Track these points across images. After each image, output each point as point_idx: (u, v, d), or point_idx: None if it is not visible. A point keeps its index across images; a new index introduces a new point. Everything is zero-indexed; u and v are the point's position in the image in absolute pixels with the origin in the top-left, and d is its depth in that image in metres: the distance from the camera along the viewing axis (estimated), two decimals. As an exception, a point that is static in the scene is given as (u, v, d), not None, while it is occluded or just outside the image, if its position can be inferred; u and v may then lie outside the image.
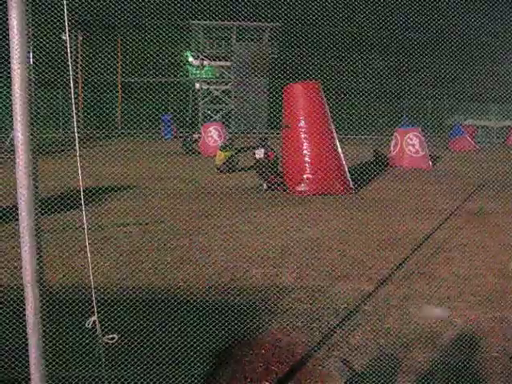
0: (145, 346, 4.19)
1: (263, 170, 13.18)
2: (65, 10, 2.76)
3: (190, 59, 49.45)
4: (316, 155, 12.33)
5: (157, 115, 37.52)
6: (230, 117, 49.19)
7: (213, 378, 3.79)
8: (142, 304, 5.13)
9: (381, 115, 43.87)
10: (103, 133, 35.45)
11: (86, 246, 3.02)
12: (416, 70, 44.29)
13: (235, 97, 49.25)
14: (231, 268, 6.44)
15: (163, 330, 4.53)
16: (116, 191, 12.29)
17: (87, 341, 4.15)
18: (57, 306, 4.64)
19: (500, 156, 24.46)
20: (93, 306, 3.02)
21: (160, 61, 41.04)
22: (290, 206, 10.93)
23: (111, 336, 2.93)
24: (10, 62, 2.44)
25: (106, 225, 8.73)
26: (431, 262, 6.87)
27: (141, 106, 39.34)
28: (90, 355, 3.96)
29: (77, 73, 40.38)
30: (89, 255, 3.09)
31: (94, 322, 2.91)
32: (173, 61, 45.57)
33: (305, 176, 12.37)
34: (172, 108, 42.95)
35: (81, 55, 41.35)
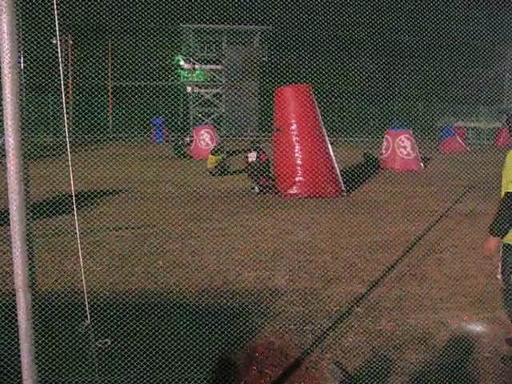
0: (138, 350, 4.17)
1: (255, 173, 13.19)
2: (55, 14, 2.76)
3: (182, 63, 49.43)
4: (307, 158, 12.35)
5: (148, 119, 37.45)
6: (221, 120, 49.19)
7: (208, 382, 3.78)
8: (134, 308, 5.12)
9: (371, 117, 44.02)
10: (94, 137, 35.34)
11: (78, 251, 3.01)
12: (406, 72, 44.50)
13: (226, 100, 49.27)
14: (223, 271, 6.44)
15: (156, 334, 4.51)
16: (108, 195, 12.25)
17: (80, 345, 4.13)
18: (49, 311, 4.61)
19: (490, 157, 24.60)
20: (85, 311, 3.01)
21: (151, 64, 41.01)
22: (282, 208, 10.94)
23: (104, 340, 2.93)
24: (0, 67, 2.44)
25: (98, 229, 8.71)
26: (423, 263, 6.90)
27: (132, 109, 39.26)
28: (83, 360, 3.94)
29: (67, 77, 40.25)
30: (81, 259, 3.08)
31: (87, 326, 2.90)
32: (163, 64, 45.53)
33: (296, 179, 12.38)
34: (163, 112, 42.88)
35: (71, 59, 41.22)
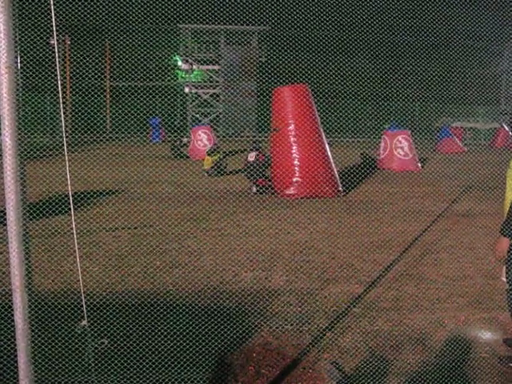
0: (134, 350, 4.17)
1: (253, 172, 13.18)
2: (52, 14, 2.76)
3: (179, 63, 49.44)
4: (305, 158, 12.36)
5: (145, 119, 37.45)
6: (218, 120, 49.22)
7: (205, 382, 3.78)
8: (131, 308, 5.11)
9: (369, 118, 44.09)
10: (91, 137, 35.32)
11: (75, 251, 3.01)
12: (404, 72, 44.55)
13: (224, 100, 49.29)
14: (220, 271, 6.43)
15: (153, 334, 4.51)
16: (105, 195, 12.24)
17: (77, 346, 4.12)
18: (46, 311, 4.61)
19: (487, 158, 24.64)
20: (82, 311, 3.01)
21: (148, 65, 41.00)
22: (279, 209, 10.94)
23: (101, 341, 2.92)
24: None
25: (95, 229, 8.70)
26: (420, 263, 6.90)
27: (129, 110, 39.24)
28: (80, 360, 3.94)
29: (65, 77, 40.22)
30: (78, 260, 3.08)
31: (84, 326, 2.90)
32: (161, 65, 45.54)
33: (294, 179, 12.39)
34: (160, 112, 42.88)
35: (69, 59, 41.20)
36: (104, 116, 43.82)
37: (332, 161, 12.99)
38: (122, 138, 37.80)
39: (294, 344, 4.40)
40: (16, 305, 2.56)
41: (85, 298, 3.11)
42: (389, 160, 19.52)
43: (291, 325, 4.80)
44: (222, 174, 16.91)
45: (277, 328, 4.71)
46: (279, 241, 8.10)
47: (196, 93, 49.86)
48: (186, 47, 49.16)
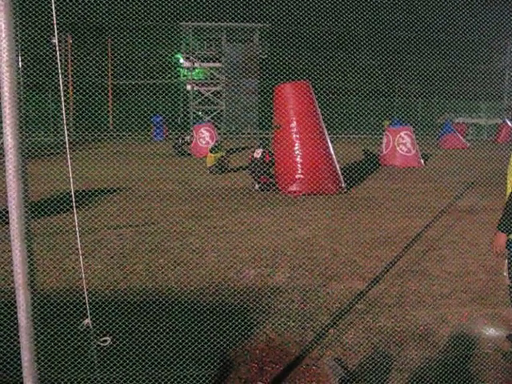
0: (137, 347, 4.18)
1: (256, 168, 13.17)
2: (53, 13, 2.76)
3: (181, 61, 49.42)
4: (307, 155, 12.35)
5: (146, 117, 37.45)
6: (220, 118, 49.22)
7: (208, 379, 3.78)
8: (134, 306, 5.12)
9: (371, 114, 44.02)
10: (94, 135, 35.33)
11: (77, 249, 3.01)
12: (406, 68, 44.46)
13: (226, 98, 49.29)
14: (223, 269, 6.44)
15: (156, 331, 4.52)
16: (107, 193, 12.25)
17: (80, 343, 4.13)
18: (49, 309, 4.62)
19: (490, 154, 24.60)
20: (86, 309, 3.01)
21: (150, 63, 40.99)
22: (282, 206, 10.94)
23: (104, 338, 2.92)
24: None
25: (98, 227, 8.71)
26: (423, 259, 6.90)
27: (132, 108, 39.24)
28: (83, 358, 3.94)
29: (67, 75, 40.24)
30: (81, 258, 3.08)
31: (87, 324, 2.90)
32: (161, 63, 45.51)
33: (296, 176, 12.38)
34: (163, 110, 42.90)
35: (70, 58, 41.20)
36: (106, 114, 43.83)
37: (334, 157, 12.97)
38: (124, 136, 37.80)
39: (297, 341, 4.40)
40: (19, 303, 2.57)
41: (88, 295, 3.12)
42: (391, 156, 19.49)
43: (294, 322, 4.80)
44: (224, 172, 16.91)
45: (280, 325, 4.72)
46: (282, 238, 8.10)
47: (198, 90, 49.86)
48: (188, 45, 49.14)
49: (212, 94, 50.16)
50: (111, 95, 44.13)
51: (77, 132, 37.97)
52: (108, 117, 43.78)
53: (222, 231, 8.56)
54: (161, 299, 5.33)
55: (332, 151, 12.97)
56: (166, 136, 36.88)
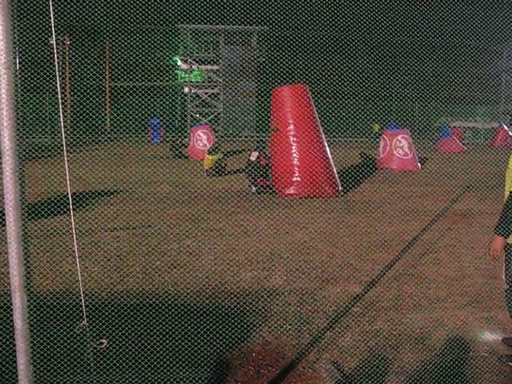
0: (134, 350, 4.17)
1: (253, 172, 13.18)
2: (51, 14, 2.76)
3: (179, 63, 49.47)
4: (304, 158, 12.36)
5: (145, 120, 37.44)
6: (218, 120, 49.24)
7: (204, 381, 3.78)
8: (130, 308, 5.11)
9: (368, 118, 44.08)
10: (91, 137, 35.30)
11: (74, 251, 3.00)
12: (403, 72, 44.55)
13: (223, 100, 49.32)
14: (220, 271, 6.43)
15: (152, 334, 4.51)
16: (104, 196, 12.24)
17: (76, 346, 4.12)
18: (45, 312, 4.61)
19: (487, 157, 24.66)
20: (82, 311, 3.01)
21: (148, 65, 40.99)
22: (279, 208, 10.94)
23: (100, 341, 2.92)
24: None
25: (95, 229, 8.70)
26: (419, 263, 6.91)
27: (129, 110, 39.21)
28: (79, 360, 3.94)
29: (65, 77, 40.21)
30: (77, 260, 3.08)
31: (84, 327, 2.90)
32: (159, 65, 45.53)
33: (293, 179, 12.39)
34: (160, 112, 42.89)
35: (68, 60, 41.19)
36: (103, 116, 43.80)
37: (331, 160, 12.99)
38: (122, 138, 37.77)
39: (294, 344, 4.40)
40: (15, 305, 2.56)
41: (84, 298, 3.11)
42: (388, 159, 19.52)
43: (290, 325, 4.80)
44: (221, 174, 16.92)
45: (276, 328, 4.72)
46: (279, 241, 8.10)
47: (195, 93, 49.89)
48: (186, 47, 49.19)
49: (209, 96, 50.20)
50: (109, 97, 44.11)
51: (74, 134, 37.93)
52: (105, 119, 43.74)
53: (219, 234, 8.56)
54: (157, 302, 5.32)
55: (329, 154, 12.99)
56: (164, 138, 36.88)
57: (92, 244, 7.69)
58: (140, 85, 42.35)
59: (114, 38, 42.19)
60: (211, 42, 50.50)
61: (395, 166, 19.14)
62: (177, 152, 23.64)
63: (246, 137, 38.92)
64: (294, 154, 12.46)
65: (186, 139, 24.63)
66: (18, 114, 2.47)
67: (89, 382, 3.57)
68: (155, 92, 43.33)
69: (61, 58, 40.47)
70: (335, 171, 13.03)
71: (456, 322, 4.90)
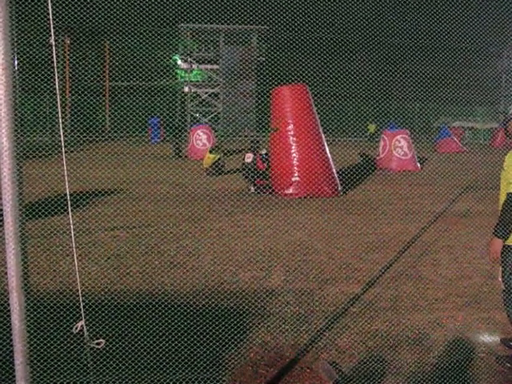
0: (131, 350, 4.17)
1: (250, 173, 13.20)
2: (50, 13, 2.76)
3: (179, 62, 49.47)
4: (304, 158, 12.36)
5: (144, 119, 37.39)
6: (218, 119, 49.25)
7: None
8: (128, 308, 5.11)
9: (368, 118, 44.06)
10: (90, 137, 35.27)
11: (72, 251, 3.00)
12: (403, 72, 44.56)
13: (223, 100, 49.33)
14: (219, 271, 6.44)
15: (149, 334, 4.51)
16: (103, 195, 12.24)
17: (74, 346, 4.12)
18: (43, 312, 4.61)
19: (487, 158, 24.63)
20: (80, 311, 3.01)
21: (148, 65, 40.99)
22: (278, 208, 10.94)
23: (98, 341, 2.92)
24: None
25: (94, 229, 8.70)
26: (418, 263, 6.91)
27: (129, 109, 39.18)
28: (76, 361, 3.94)
29: (64, 77, 40.18)
30: (76, 260, 3.08)
31: (81, 327, 2.90)
32: (159, 64, 45.51)
33: (293, 179, 12.39)
34: (160, 112, 42.85)
35: (68, 59, 41.16)
36: (103, 116, 43.79)
37: (331, 161, 12.99)
38: (121, 137, 37.74)
39: (292, 344, 4.40)
40: (13, 305, 2.56)
41: (82, 297, 3.11)
42: (388, 160, 19.50)
43: (289, 325, 4.80)
44: (220, 174, 16.93)
45: (274, 328, 4.72)
46: (277, 241, 8.10)
47: (195, 92, 49.89)
48: (186, 47, 49.20)
49: (209, 95, 50.21)
50: (108, 97, 44.09)
51: (74, 133, 37.89)
52: (105, 118, 43.72)
53: (218, 234, 8.56)
54: (155, 302, 5.33)
55: (329, 154, 12.99)
56: (164, 138, 36.83)
57: (91, 243, 7.69)
58: (140, 84, 42.33)
59: (114, 38, 42.18)
60: (211, 41, 50.51)
61: (394, 166, 19.13)
62: (177, 151, 23.68)
63: (245, 136, 38.88)
64: (294, 154, 12.45)
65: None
66: (16, 114, 2.47)
67: (85, 382, 3.58)
68: (155, 91, 43.31)
69: (61, 57, 40.46)
70: (335, 171, 13.02)
71: (454, 323, 4.90)
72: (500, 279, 4.22)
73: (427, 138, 37.18)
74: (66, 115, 38.68)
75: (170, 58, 48.84)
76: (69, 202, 3.06)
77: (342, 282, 6.12)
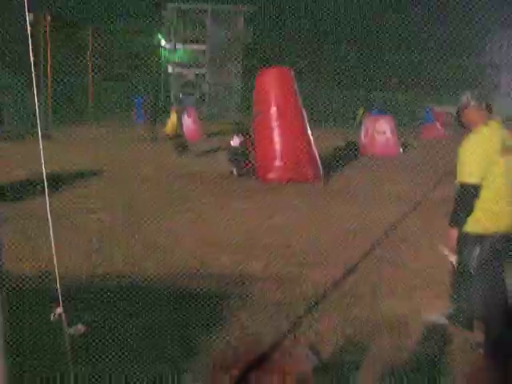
0: (112, 337, 4.13)
1: (236, 157, 13.17)
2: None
3: (163, 42, 48.90)
4: (287, 142, 12.32)
5: (127, 100, 36.97)
6: (203, 100, 48.94)
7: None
8: (108, 292, 5.07)
9: (353, 105, 43.95)
10: (73, 117, 34.76)
11: (50, 234, 2.94)
12: (388, 60, 44.57)
13: (208, 81, 49.01)
14: (200, 255, 6.43)
15: (132, 320, 4.49)
16: (84, 177, 12.12)
17: (51, 335, 4.07)
18: (20, 298, 4.55)
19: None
20: (58, 297, 2.96)
21: (133, 45, 40.50)
22: (260, 193, 10.93)
23: (77, 327, 2.86)
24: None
25: (74, 211, 8.62)
26: (399, 250, 6.95)
27: (113, 90, 38.72)
28: (56, 350, 3.89)
29: (45, 55, 39.45)
30: (52, 242, 3.03)
31: (60, 313, 2.85)
32: (145, 43, 44.99)
33: (276, 163, 12.36)
34: (144, 92, 42.36)
35: (49, 37, 40.36)
36: (86, 97, 43.17)
37: (314, 146, 12.96)
38: (105, 118, 37.29)
39: (272, 328, 4.41)
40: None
41: (61, 283, 3.06)
42: (370, 144, 19.54)
43: (269, 309, 4.81)
44: (183, 154, 17.03)
45: (255, 312, 4.73)
46: (259, 225, 8.11)
47: (180, 73, 49.47)
48: (171, 26, 48.65)
49: (195, 76, 49.83)
50: (91, 77, 43.44)
51: (55, 114, 37.28)
52: (88, 98, 43.13)
53: (199, 217, 8.54)
54: (138, 285, 5.31)
55: (312, 139, 12.95)
56: (148, 118, 36.38)
57: (71, 226, 7.62)
58: (123, 70, 41.79)
59: (98, 19, 41.51)
60: (197, 21, 49.96)
61: (377, 151, 19.15)
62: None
63: (235, 119, 38.70)
64: (276, 138, 12.40)
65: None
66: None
67: (66, 372, 3.53)
68: (140, 71, 42.82)
69: (42, 34, 39.62)
70: (317, 156, 13.01)
71: (432, 310, 4.94)
72: (452, 259, 4.30)
73: (411, 125, 37.24)
74: (46, 96, 37.99)
75: (155, 38, 48.21)
76: (45, 183, 2.98)
77: (322, 267, 6.14)
